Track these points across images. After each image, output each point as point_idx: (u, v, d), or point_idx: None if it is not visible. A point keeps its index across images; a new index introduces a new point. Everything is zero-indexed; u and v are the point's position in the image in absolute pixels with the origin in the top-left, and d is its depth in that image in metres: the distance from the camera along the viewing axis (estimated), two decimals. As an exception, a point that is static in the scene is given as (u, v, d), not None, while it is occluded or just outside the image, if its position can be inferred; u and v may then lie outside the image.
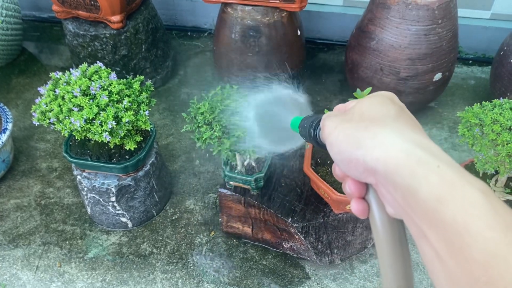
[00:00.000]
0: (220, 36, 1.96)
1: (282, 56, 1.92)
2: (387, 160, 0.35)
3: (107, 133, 1.31)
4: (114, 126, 1.31)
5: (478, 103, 1.29)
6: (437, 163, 0.33)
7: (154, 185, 1.63)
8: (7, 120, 1.78)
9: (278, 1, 1.78)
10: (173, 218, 1.71)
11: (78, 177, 1.56)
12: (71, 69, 1.44)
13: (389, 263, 0.39)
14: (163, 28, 2.24)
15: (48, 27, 2.76)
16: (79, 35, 2.01)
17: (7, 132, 1.74)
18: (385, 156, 0.35)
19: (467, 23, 2.25)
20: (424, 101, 1.93)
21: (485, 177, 1.40)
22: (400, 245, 0.39)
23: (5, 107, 1.84)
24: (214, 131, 1.21)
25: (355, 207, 0.42)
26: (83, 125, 1.31)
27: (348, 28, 2.10)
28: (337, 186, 1.31)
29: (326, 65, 2.37)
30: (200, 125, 1.24)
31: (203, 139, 1.23)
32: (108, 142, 1.41)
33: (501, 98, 1.29)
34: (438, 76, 1.81)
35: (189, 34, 2.62)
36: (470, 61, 2.34)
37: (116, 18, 1.93)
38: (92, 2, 1.90)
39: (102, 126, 1.31)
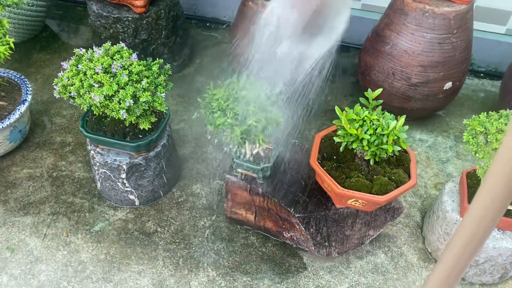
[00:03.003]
0: (239, 28, 2.00)
1: (297, 53, 1.96)
2: None
3: (124, 110, 1.36)
4: (132, 104, 1.37)
5: (485, 112, 1.33)
6: None
7: (164, 166, 1.68)
8: (27, 92, 1.84)
9: (298, -1, 1.82)
10: (179, 200, 1.76)
11: (92, 152, 1.62)
12: (94, 47, 1.50)
13: None
14: (184, 16, 2.29)
15: (72, 6, 2.82)
16: (102, 16, 2.07)
17: (26, 104, 1.80)
18: None
19: (481, 36, 2.28)
20: (433, 108, 1.97)
21: (485, 185, 1.44)
22: None
23: (26, 79, 1.90)
24: (228, 118, 1.26)
25: None
26: (102, 101, 1.36)
27: (364, 32, 2.14)
28: (341, 181, 1.35)
29: (340, 66, 2.41)
30: (214, 111, 1.29)
31: (216, 124, 1.28)
32: (124, 120, 1.47)
33: (508, 109, 1.33)
34: (448, 85, 1.84)
35: (208, 25, 2.67)
36: (482, 74, 2.37)
37: (139, 2, 1.98)
38: (117, -15, 1.96)
39: (120, 103, 1.36)
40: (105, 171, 1.62)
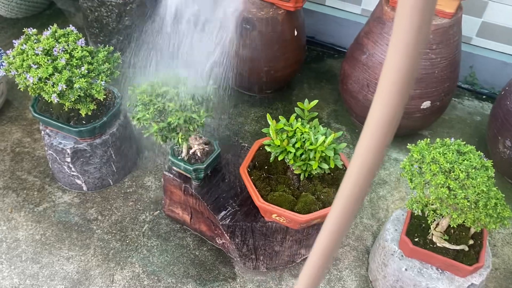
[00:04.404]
0: (218, 23, 1.94)
1: (273, 53, 1.88)
2: None
3: (55, 94, 1.35)
4: (65, 89, 1.35)
5: (428, 139, 1.21)
6: None
7: (112, 155, 1.66)
8: (1, 66, 1.88)
9: (274, -3, 1.74)
10: (128, 191, 1.74)
11: (42, 132, 1.62)
12: (49, 28, 1.49)
13: None
14: (175, 6, 2.26)
15: (82, -13, 2.86)
16: (88, -1, 2.07)
17: (-3, 78, 1.83)
18: None
19: (486, 55, 2.09)
20: (411, 127, 1.83)
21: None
22: None
23: (4, 52, 1.93)
24: (146, 113, 1.22)
25: None
26: (36, 83, 1.35)
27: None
28: (265, 193, 1.28)
29: (331, 72, 2.30)
30: (137, 104, 1.25)
31: (136, 118, 1.23)
32: (62, 104, 1.45)
33: (452, 138, 1.20)
34: (426, 104, 1.70)
35: (207, 16, 2.62)
36: (484, 96, 2.18)
37: (122, -13, 1.97)
38: (102, -31, 1.95)
39: (53, 87, 1.35)
40: (52, 153, 1.62)
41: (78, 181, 1.68)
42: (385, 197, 1.75)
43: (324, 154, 1.20)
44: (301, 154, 1.21)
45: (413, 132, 1.93)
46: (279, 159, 1.23)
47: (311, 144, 1.20)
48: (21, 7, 2.49)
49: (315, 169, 1.20)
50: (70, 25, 1.50)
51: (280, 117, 1.27)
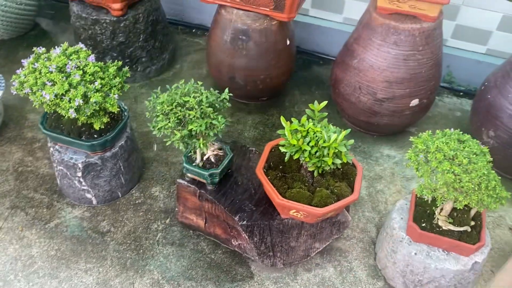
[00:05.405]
0: (212, 36, 2.03)
1: (268, 62, 1.97)
2: None
3: (73, 109, 1.39)
4: (81, 104, 1.39)
5: (430, 131, 1.32)
6: None
7: (121, 167, 1.70)
8: (0, 87, 1.89)
9: (268, 9, 1.84)
10: (137, 202, 1.78)
11: (51, 149, 1.65)
12: (56, 47, 1.53)
13: None
14: (165, 21, 2.32)
15: (64, 7, 2.87)
16: (81, 18, 2.11)
17: (-4, 99, 1.84)
18: None
19: (462, 55, 2.26)
20: (401, 124, 1.95)
21: (433, 204, 1.43)
22: None
23: (1, 75, 1.94)
24: (169, 122, 1.27)
25: None
26: (53, 100, 1.39)
27: (342, 45, 2.13)
28: (282, 191, 1.35)
29: (319, 78, 2.41)
30: (157, 114, 1.30)
31: (158, 127, 1.29)
32: (77, 119, 1.49)
33: (451, 129, 1.31)
34: (415, 102, 1.83)
35: (193, 31, 2.70)
36: (461, 93, 2.35)
37: (116, 5, 2.02)
38: (96, -12, 2.00)
39: (70, 102, 1.39)
40: (62, 168, 1.64)
41: (88, 195, 1.71)
42: (382, 191, 1.86)
43: (336, 150, 1.29)
44: (316, 152, 1.30)
45: (402, 130, 2.06)
46: (295, 157, 1.31)
47: (324, 141, 1.29)
48: (7, 28, 2.49)
49: (329, 165, 1.29)
50: (80, 43, 1.54)
51: (292, 118, 1.35)
